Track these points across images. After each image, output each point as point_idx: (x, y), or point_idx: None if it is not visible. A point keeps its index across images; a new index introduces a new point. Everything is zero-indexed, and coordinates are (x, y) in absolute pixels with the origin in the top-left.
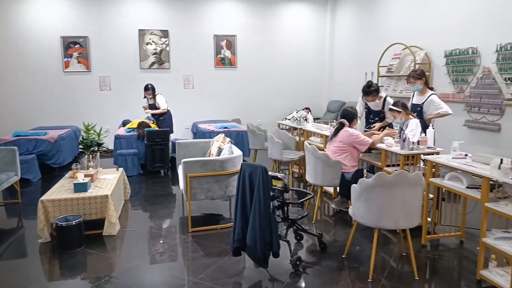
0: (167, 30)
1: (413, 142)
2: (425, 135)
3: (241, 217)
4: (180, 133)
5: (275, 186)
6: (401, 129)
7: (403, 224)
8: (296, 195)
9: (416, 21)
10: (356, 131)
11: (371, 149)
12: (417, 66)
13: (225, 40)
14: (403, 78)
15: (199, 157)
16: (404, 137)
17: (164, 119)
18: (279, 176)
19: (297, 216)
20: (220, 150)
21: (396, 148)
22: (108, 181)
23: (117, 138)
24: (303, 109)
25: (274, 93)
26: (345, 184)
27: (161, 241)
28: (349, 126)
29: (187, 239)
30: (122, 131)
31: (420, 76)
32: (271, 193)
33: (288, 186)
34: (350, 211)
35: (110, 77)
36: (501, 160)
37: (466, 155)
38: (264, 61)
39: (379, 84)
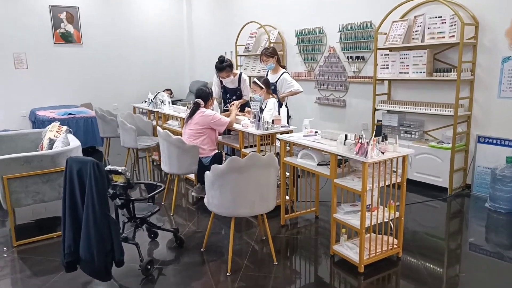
0: None
1: (268, 122)
2: (279, 114)
3: (72, 225)
4: (14, 123)
5: (115, 182)
6: (261, 108)
7: (259, 209)
8: (145, 188)
9: (270, 0)
10: (212, 111)
11: (230, 131)
12: (271, 45)
13: (64, 12)
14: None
15: (31, 151)
16: (259, 117)
17: None
18: (120, 170)
19: (146, 213)
20: (52, 143)
21: (252, 129)
22: None
23: None
24: (164, 91)
25: (132, 74)
26: (203, 170)
27: None
28: (204, 107)
29: (11, 256)
30: None
31: (272, 54)
32: (112, 191)
33: (131, 181)
34: (205, 200)
35: None
36: (346, 136)
37: (316, 132)
38: (118, 39)
39: (238, 64)
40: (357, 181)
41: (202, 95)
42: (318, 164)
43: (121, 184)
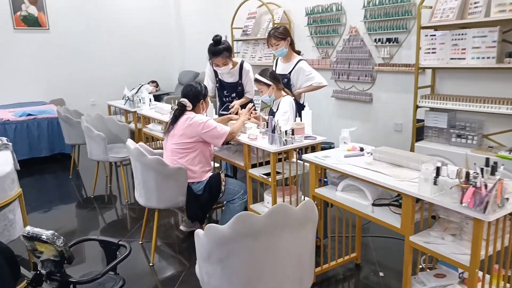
0: None
1: (286, 132)
2: (301, 119)
3: None
4: None
5: (40, 253)
6: (271, 111)
7: None
8: (102, 249)
9: None
10: (202, 117)
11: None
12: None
13: None
14: (261, 42)
15: None
16: (273, 125)
17: None
18: (44, 238)
19: None
20: None
21: (264, 142)
22: None
23: None
24: (148, 83)
25: (112, 63)
26: (195, 201)
27: None
28: (193, 110)
29: None
30: None
31: (284, 35)
32: (38, 271)
33: (66, 253)
34: (198, 272)
35: None
36: (438, 168)
37: (361, 149)
38: (93, 22)
39: (235, 51)
40: (452, 241)
41: (190, 93)
42: (374, 204)
43: (52, 258)
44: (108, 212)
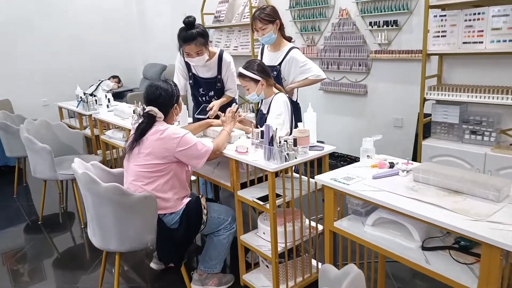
0: None
1: (286, 142)
2: (303, 125)
3: None
4: None
5: None
6: (259, 112)
7: None
8: None
9: None
10: (179, 130)
11: None
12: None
13: None
14: (236, 29)
15: None
16: (270, 135)
17: None
18: None
19: None
20: None
21: (257, 156)
22: None
23: None
24: (109, 78)
25: (64, 56)
26: (168, 239)
27: None
28: (165, 120)
29: None
30: None
31: (272, 17)
32: None
33: None
34: None
35: None
36: None
37: (391, 165)
38: (41, 7)
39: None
40: None
41: (159, 98)
42: (425, 248)
43: None
44: (62, 240)
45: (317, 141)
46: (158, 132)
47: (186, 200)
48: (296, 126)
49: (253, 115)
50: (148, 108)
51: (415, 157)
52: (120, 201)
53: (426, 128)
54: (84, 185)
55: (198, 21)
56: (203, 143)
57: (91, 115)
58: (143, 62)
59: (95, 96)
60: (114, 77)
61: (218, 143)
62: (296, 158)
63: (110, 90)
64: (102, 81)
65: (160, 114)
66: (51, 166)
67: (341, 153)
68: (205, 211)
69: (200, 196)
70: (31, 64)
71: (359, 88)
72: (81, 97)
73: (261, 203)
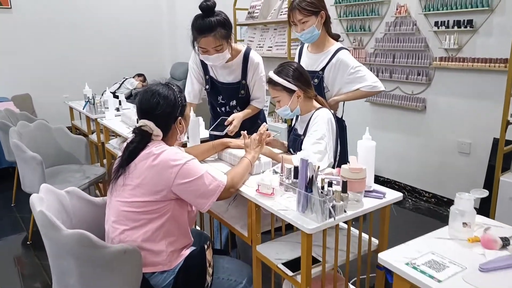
0: None
1: (329, 184)
2: (356, 157)
3: None
4: None
5: None
6: (293, 131)
7: None
8: None
9: None
10: (180, 155)
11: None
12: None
13: None
14: (271, 27)
15: None
16: (308, 175)
17: None
18: None
19: None
20: None
21: (287, 204)
22: None
23: None
24: (134, 77)
25: (89, 51)
26: None
27: None
28: (165, 139)
29: None
30: None
31: (316, 6)
32: None
33: None
34: None
35: None
36: None
37: (506, 242)
38: (64, 2)
39: (237, 38)
40: None
41: (158, 109)
42: None
43: None
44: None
45: None
46: (150, 157)
47: (186, 252)
48: (342, 154)
49: (285, 126)
50: (140, 122)
51: (489, 196)
52: (89, 255)
53: (506, 159)
54: (40, 228)
55: (230, 17)
56: (214, 175)
57: (96, 119)
58: (171, 61)
59: (116, 96)
60: (139, 75)
61: (234, 177)
62: (345, 211)
63: (134, 88)
64: (126, 78)
65: (157, 131)
66: (40, 179)
67: (387, 178)
68: (210, 270)
69: (206, 245)
70: (54, 59)
71: (416, 102)
72: (88, 97)
73: (290, 273)
